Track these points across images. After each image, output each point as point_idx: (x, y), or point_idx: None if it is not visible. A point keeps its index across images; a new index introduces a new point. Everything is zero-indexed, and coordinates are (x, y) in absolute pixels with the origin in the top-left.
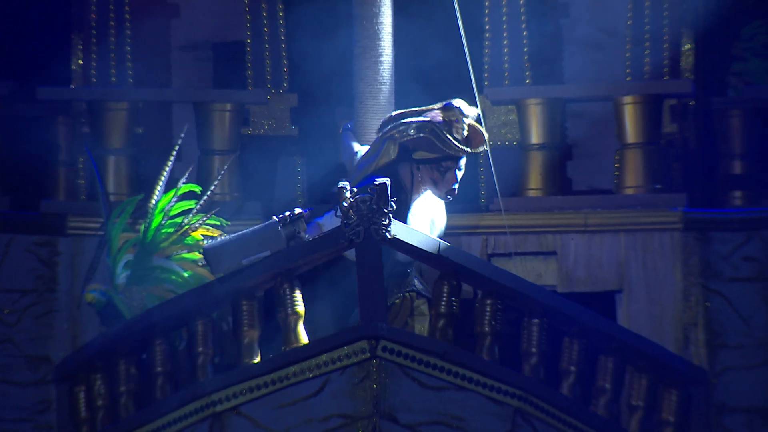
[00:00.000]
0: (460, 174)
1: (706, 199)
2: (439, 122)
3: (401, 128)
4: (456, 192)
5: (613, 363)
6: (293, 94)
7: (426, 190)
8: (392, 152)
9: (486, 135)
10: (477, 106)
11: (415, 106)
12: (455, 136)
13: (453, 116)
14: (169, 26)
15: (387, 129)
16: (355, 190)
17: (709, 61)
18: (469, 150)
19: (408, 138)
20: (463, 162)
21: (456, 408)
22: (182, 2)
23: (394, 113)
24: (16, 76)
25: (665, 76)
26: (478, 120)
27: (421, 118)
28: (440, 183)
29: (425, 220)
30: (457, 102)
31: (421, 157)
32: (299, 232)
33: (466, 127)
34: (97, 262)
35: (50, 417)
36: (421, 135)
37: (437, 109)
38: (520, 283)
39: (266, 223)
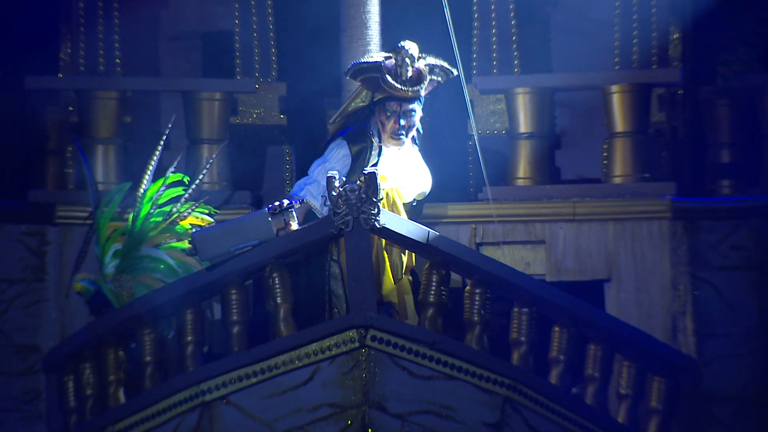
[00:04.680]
0: (404, 122)
1: (695, 188)
2: (390, 61)
3: (362, 65)
4: (402, 141)
5: (601, 352)
6: (282, 83)
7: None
8: (364, 96)
9: (428, 79)
10: (465, 95)
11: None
12: (400, 75)
13: (400, 56)
14: (158, 15)
15: (352, 63)
16: (344, 179)
17: (697, 50)
18: (404, 88)
19: (361, 77)
20: (409, 108)
21: (445, 397)
22: None
23: (367, 56)
24: (3, 64)
25: (653, 65)
26: (434, 63)
27: (374, 59)
28: (386, 125)
29: (396, 173)
30: (409, 45)
31: (377, 99)
32: (289, 222)
33: (411, 68)
34: (86, 251)
35: (39, 406)
36: (372, 75)
37: (393, 50)
38: (508, 272)
39: (256, 212)
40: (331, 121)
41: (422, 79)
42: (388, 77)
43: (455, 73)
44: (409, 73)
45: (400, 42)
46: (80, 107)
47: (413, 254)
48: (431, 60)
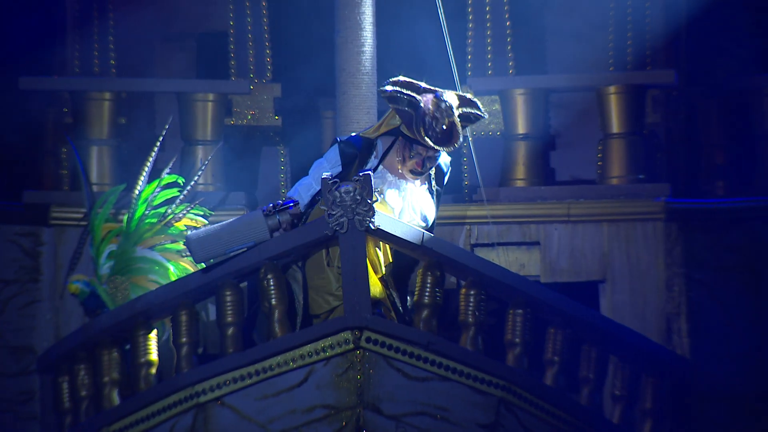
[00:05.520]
0: (429, 164)
1: (689, 190)
2: (427, 109)
3: (398, 95)
4: (418, 177)
5: (596, 353)
6: (276, 84)
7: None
8: (396, 119)
9: (461, 136)
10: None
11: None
12: (435, 128)
13: (439, 110)
14: (152, 16)
15: (388, 90)
16: (338, 180)
17: (691, 52)
18: (435, 147)
19: (395, 105)
20: (436, 155)
21: (440, 398)
22: None
23: (403, 79)
24: None
25: (648, 66)
26: (469, 111)
27: (417, 96)
28: (406, 161)
29: (400, 202)
30: (449, 97)
31: (404, 131)
32: (283, 223)
33: (447, 123)
34: (80, 252)
35: (33, 407)
36: (406, 109)
37: (432, 96)
38: (503, 273)
39: (250, 213)
40: (363, 132)
41: (455, 136)
42: (422, 130)
43: (487, 117)
44: (444, 126)
45: (440, 92)
46: (75, 108)
47: (389, 249)
48: (466, 108)
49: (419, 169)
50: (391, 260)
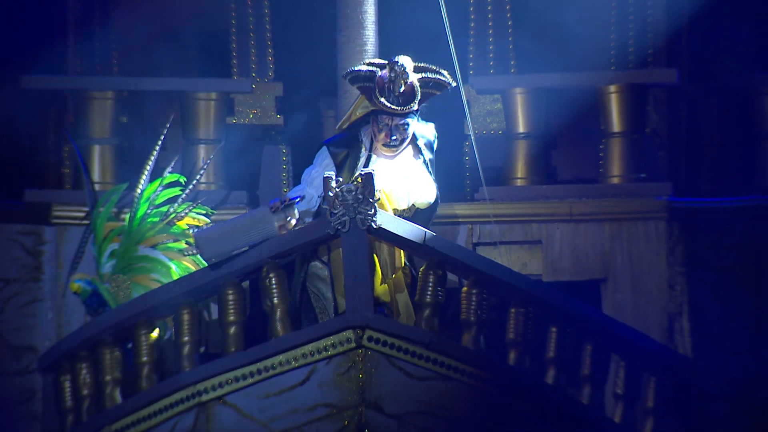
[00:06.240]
0: (397, 135)
1: (691, 188)
2: (383, 74)
3: (357, 73)
4: (393, 149)
5: (598, 352)
6: (278, 83)
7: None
8: (367, 104)
9: (419, 94)
10: (461, 95)
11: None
12: (392, 91)
13: (394, 72)
14: (154, 15)
15: (348, 71)
16: (340, 179)
17: (693, 50)
18: (393, 107)
19: (357, 84)
20: (401, 122)
21: (442, 397)
22: None
23: (367, 60)
24: None
25: (650, 66)
26: (430, 77)
27: (373, 68)
28: (377, 135)
29: (387, 179)
30: (404, 60)
31: (371, 109)
32: (289, 219)
33: (403, 84)
34: (82, 251)
35: (34, 406)
36: (367, 84)
37: (387, 63)
38: (505, 272)
39: (257, 209)
40: (336, 128)
41: (414, 96)
42: (379, 94)
43: (453, 84)
44: (402, 89)
45: (394, 56)
46: (76, 107)
47: (402, 253)
48: (427, 74)
49: (389, 140)
50: (404, 264)
